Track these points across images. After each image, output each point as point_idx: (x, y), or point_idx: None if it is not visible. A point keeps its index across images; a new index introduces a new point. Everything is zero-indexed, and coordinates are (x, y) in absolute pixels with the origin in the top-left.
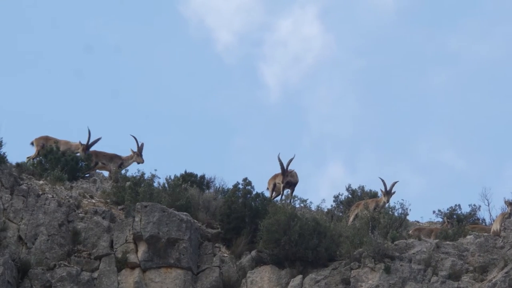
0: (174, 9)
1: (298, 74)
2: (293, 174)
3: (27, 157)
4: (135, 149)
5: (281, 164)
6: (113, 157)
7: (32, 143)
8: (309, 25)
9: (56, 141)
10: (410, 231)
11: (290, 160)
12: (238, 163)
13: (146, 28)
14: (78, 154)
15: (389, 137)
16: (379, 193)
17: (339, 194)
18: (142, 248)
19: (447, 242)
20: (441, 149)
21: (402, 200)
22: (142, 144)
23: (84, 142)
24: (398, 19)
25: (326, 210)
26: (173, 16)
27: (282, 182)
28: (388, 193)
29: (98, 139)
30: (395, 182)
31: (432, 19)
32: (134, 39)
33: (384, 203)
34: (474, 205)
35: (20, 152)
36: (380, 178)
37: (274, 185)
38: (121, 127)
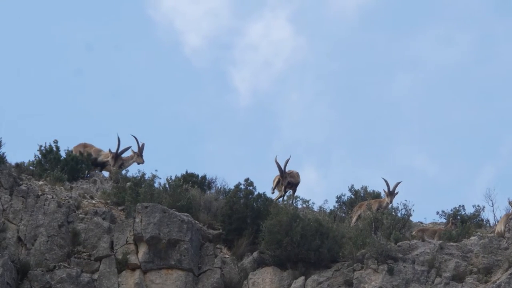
0: (144, 12)
1: (269, 78)
2: (294, 175)
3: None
4: (136, 150)
5: (279, 166)
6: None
7: (71, 151)
8: (280, 29)
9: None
10: (414, 232)
11: (287, 161)
12: (208, 169)
13: (115, 31)
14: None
15: (361, 142)
16: (382, 194)
17: (342, 194)
18: (142, 249)
19: (451, 243)
20: (414, 154)
21: (405, 200)
22: (143, 145)
23: (114, 150)
24: (362, 23)
25: (328, 210)
26: (142, 19)
27: (282, 184)
28: (391, 194)
29: (128, 148)
30: (398, 183)
31: (396, 24)
32: (103, 41)
33: (387, 203)
34: (478, 206)
35: (19, 152)
36: (383, 179)
37: (279, 181)
38: (84, 129)
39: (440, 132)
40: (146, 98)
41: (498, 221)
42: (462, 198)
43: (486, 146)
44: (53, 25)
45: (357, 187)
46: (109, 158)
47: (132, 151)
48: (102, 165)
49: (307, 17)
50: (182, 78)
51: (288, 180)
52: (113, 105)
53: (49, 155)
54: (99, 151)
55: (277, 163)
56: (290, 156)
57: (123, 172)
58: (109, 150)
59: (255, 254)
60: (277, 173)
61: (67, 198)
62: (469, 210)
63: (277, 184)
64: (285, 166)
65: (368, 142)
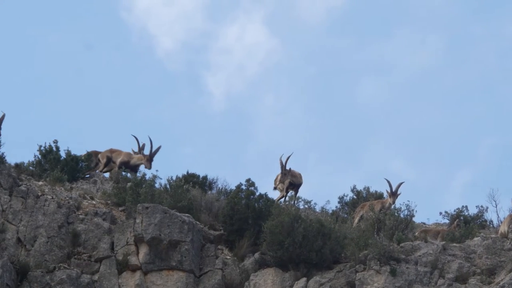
0: (117, 15)
1: (243, 82)
2: (297, 175)
3: (98, 171)
4: (136, 150)
5: (281, 163)
6: None
7: (98, 158)
8: (254, 32)
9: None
10: (417, 233)
11: (288, 157)
12: (183, 172)
13: (88, 34)
14: (142, 165)
15: (337, 146)
16: (385, 195)
17: (344, 195)
18: (143, 250)
19: (454, 244)
20: (390, 158)
21: (408, 201)
22: (144, 145)
23: (147, 152)
24: (331, 28)
25: (330, 211)
26: (116, 22)
27: (281, 181)
28: (394, 194)
29: (159, 148)
30: (401, 183)
31: (366, 29)
32: (76, 45)
33: (390, 204)
34: (482, 206)
35: (19, 152)
36: (386, 179)
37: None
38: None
39: (415, 136)
40: (119, 101)
41: (501, 222)
42: (439, 202)
43: (462, 150)
44: (28, 27)
45: (360, 187)
46: (143, 161)
47: (133, 151)
48: (134, 168)
49: (280, 20)
50: (155, 82)
51: (290, 181)
52: (86, 107)
53: (49, 155)
54: (129, 155)
55: (280, 161)
56: (292, 153)
57: (123, 172)
58: (142, 153)
59: (256, 255)
60: (278, 172)
61: (67, 198)
62: (472, 210)
63: (279, 183)
64: (286, 162)
65: (344, 146)
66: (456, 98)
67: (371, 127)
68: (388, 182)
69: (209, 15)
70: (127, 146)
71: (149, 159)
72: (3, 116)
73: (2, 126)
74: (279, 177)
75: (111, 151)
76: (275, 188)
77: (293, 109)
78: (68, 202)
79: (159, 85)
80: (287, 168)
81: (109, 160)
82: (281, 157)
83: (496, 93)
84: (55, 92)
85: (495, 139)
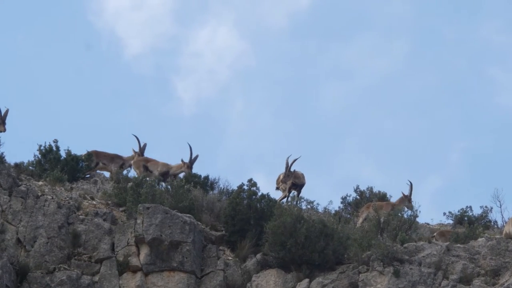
0: (86, 19)
1: (213, 86)
2: (299, 176)
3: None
4: (137, 149)
5: (287, 164)
6: (114, 158)
7: (130, 166)
8: (224, 36)
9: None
10: (435, 234)
11: (294, 160)
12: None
13: (57, 38)
14: (183, 173)
15: (308, 151)
16: (392, 198)
17: (347, 195)
18: (144, 251)
19: (458, 245)
20: (361, 164)
21: (412, 201)
22: (145, 145)
23: (186, 160)
24: (294, 32)
25: (333, 212)
26: (84, 26)
27: (283, 182)
28: (409, 200)
29: (197, 157)
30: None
31: (327, 34)
32: (45, 49)
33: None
34: (486, 206)
35: (18, 152)
36: (409, 182)
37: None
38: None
39: (385, 142)
40: (88, 105)
41: (506, 222)
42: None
43: (432, 155)
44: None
45: (363, 187)
46: (183, 168)
47: (133, 150)
48: (173, 177)
49: (249, 24)
50: (124, 86)
51: (292, 181)
52: (54, 111)
53: (48, 155)
54: (167, 165)
55: (286, 162)
56: (300, 156)
57: (124, 172)
58: (182, 160)
59: (258, 256)
60: (280, 172)
61: (67, 198)
62: (477, 211)
63: (282, 183)
64: (291, 164)
65: (313, 151)
66: (426, 103)
67: (339, 133)
68: (411, 185)
69: (179, 19)
70: (109, 147)
71: (190, 166)
72: (7, 111)
73: (6, 121)
74: (281, 177)
75: (146, 160)
76: (277, 188)
77: (263, 114)
78: (68, 203)
79: (127, 90)
80: (291, 170)
81: (146, 169)
82: (288, 158)
83: (466, 97)
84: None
85: (466, 144)
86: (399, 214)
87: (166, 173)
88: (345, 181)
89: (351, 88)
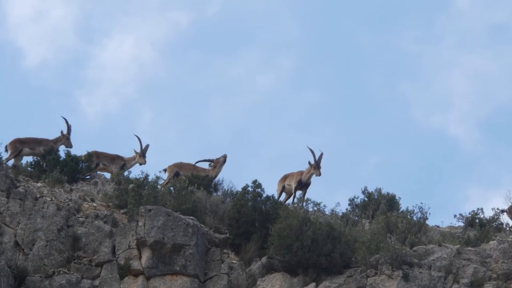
0: None
1: (118, 101)
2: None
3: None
4: (138, 150)
5: (313, 153)
6: (115, 158)
7: (165, 170)
8: (128, 50)
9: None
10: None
11: (321, 155)
12: None
13: None
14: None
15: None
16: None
17: (355, 197)
18: (146, 254)
19: (469, 248)
20: (269, 179)
21: (421, 203)
22: (147, 146)
23: (138, 150)
24: (176, 46)
25: (341, 214)
26: None
27: (316, 174)
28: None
29: (148, 146)
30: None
31: (212, 48)
32: None
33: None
34: (498, 209)
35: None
36: (309, 148)
37: (283, 187)
38: None
39: (292, 157)
40: None
41: None
42: None
43: (344, 169)
44: None
45: (371, 189)
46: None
47: (135, 151)
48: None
49: (152, 37)
50: (25, 100)
51: (298, 179)
52: None
53: (47, 156)
54: (203, 170)
55: (312, 151)
56: (322, 153)
57: (125, 173)
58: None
59: (263, 259)
60: (282, 175)
61: (66, 200)
62: (488, 213)
63: (282, 191)
64: (320, 158)
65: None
66: (302, 121)
67: (234, 151)
68: (312, 151)
69: (83, 33)
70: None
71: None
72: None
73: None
74: (287, 179)
75: (180, 166)
76: (281, 193)
77: (169, 128)
78: (68, 204)
79: (29, 104)
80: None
81: (177, 175)
82: (311, 148)
83: (379, 111)
84: None
85: (378, 158)
86: (408, 217)
87: (205, 177)
88: None
89: (236, 104)
